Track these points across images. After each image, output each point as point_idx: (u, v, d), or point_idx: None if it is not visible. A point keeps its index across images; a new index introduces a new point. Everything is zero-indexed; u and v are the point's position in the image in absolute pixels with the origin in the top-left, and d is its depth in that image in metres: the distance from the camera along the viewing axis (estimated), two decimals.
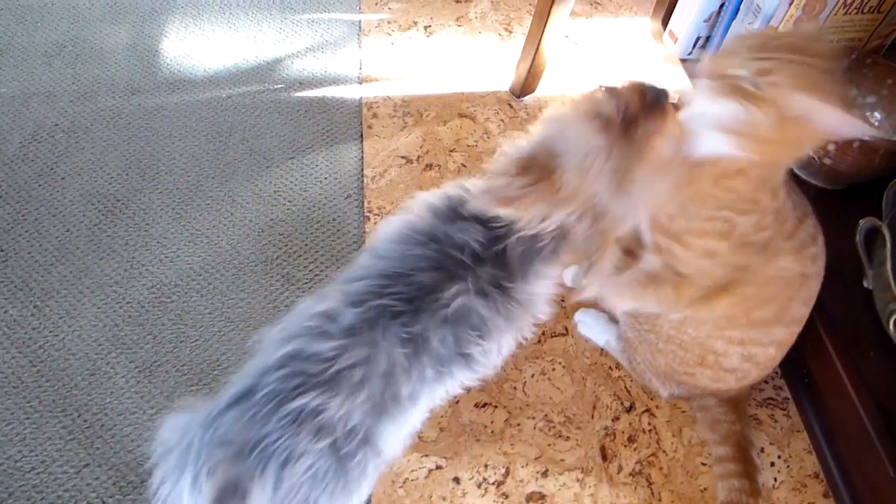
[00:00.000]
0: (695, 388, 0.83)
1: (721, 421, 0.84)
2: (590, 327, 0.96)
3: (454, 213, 0.64)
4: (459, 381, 0.67)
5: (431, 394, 0.64)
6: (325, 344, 0.58)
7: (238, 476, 0.53)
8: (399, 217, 0.67)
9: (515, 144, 0.61)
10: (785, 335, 0.76)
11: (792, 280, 0.71)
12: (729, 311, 0.72)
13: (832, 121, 0.58)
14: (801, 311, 0.74)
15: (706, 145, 0.65)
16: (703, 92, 0.64)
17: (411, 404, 0.62)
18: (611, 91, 0.62)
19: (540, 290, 0.66)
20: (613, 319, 0.94)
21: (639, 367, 0.87)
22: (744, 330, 0.73)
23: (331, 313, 0.60)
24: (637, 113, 0.60)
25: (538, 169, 0.58)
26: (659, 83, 0.63)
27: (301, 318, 0.61)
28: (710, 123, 0.64)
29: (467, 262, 0.61)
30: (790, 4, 0.89)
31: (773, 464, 0.88)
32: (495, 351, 0.67)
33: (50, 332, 0.93)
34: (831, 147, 0.86)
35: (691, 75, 1.08)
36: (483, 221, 0.62)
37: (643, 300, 0.75)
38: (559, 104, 0.64)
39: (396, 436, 0.63)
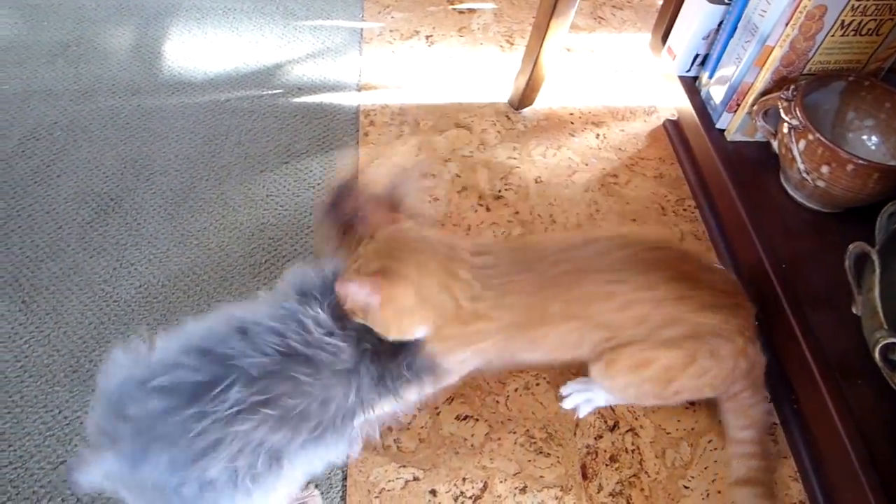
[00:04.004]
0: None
1: (752, 405, 0.82)
2: (584, 399, 0.91)
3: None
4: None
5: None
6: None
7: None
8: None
9: None
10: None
11: None
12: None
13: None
14: None
15: None
16: None
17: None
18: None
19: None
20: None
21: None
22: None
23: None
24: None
25: None
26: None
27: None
28: None
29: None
30: (786, 24, 0.88)
31: None
32: None
33: (36, 327, 0.93)
34: (825, 169, 0.85)
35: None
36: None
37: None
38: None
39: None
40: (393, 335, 0.69)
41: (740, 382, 0.81)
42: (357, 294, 0.66)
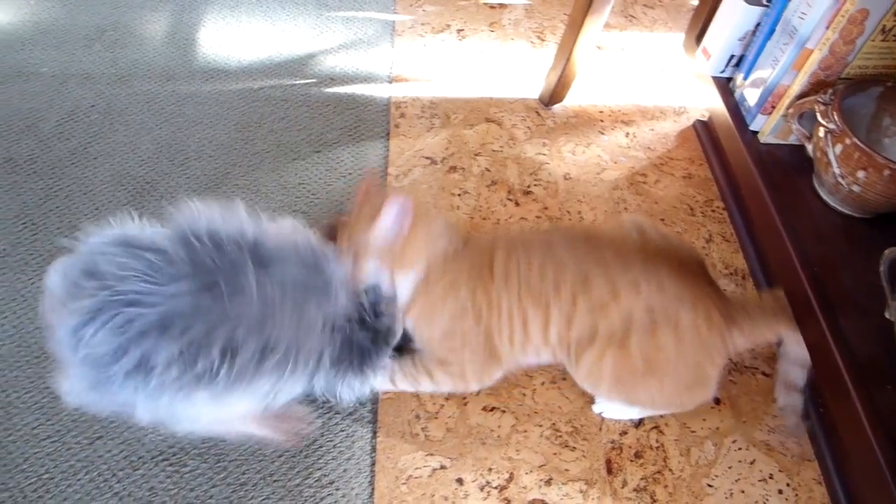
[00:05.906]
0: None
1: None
2: (617, 410, 0.92)
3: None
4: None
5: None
6: None
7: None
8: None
9: None
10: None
11: None
12: None
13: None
14: None
15: None
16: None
17: None
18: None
19: None
20: None
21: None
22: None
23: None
24: None
25: None
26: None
27: None
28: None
29: None
30: (827, 27, 0.87)
31: (780, 491, 0.87)
32: None
33: None
34: (861, 174, 0.85)
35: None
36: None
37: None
38: None
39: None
40: (398, 264, 0.77)
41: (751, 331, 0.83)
42: (390, 216, 0.73)
